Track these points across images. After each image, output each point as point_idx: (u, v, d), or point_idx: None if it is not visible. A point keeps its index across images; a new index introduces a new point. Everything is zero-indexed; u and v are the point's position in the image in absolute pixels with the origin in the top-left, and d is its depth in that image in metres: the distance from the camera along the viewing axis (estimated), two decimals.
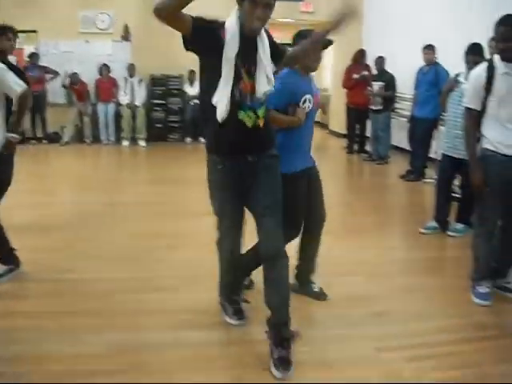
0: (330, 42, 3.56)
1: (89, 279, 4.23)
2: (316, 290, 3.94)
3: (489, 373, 3.03)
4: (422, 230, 5.57)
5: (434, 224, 5.62)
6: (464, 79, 5.32)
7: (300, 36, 3.57)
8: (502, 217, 3.98)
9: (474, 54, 5.44)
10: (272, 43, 3.07)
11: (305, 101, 3.52)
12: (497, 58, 3.78)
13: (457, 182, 5.91)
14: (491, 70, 3.77)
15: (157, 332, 3.41)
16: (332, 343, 3.32)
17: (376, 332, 3.46)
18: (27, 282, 4.15)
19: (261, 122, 3.02)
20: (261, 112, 3.01)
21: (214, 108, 2.91)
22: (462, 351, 3.27)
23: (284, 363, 2.98)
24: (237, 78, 2.89)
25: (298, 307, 3.55)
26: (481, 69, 3.87)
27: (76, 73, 11.57)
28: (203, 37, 2.89)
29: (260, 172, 3.09)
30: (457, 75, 5.69)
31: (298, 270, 4.01)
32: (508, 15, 3.66)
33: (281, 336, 3.05)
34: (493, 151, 3.82)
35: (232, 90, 2.88)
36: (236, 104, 2.92)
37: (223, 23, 2.99)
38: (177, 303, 3.82)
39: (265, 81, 2.96)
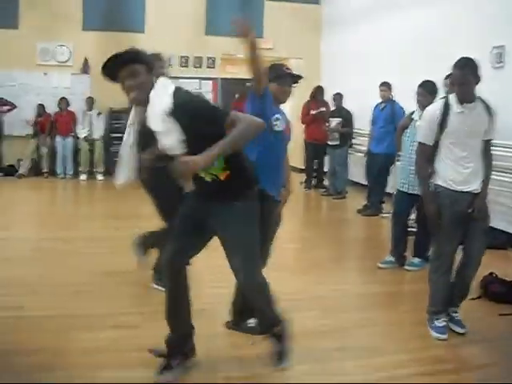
0: (299, 77, 3.77)
1: (42, 316, 4.11)
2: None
3: None
4: (380, 265, 5.63)
5: (390, 258, 5.69)
6: (418, 117, 5.46)
7: (273, 69, 3.70)
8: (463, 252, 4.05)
9: (425, 91, 5.57)
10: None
11: (276, 119, 3.59)
12: (452, 96, 3.89)
13: (413, 216, 6.01)
14: (446, 107, 3.87)
15: (111, 371, 3.33)
16: (294, 379, 3.30)
17: (336, 367, 3.46)
18: None
19: (221, 176, 3.02)
20: (214, 169, 3.00)
21: None
22: None
23: None
24: None
25: (259, 342, 3.54)
26: (436, 106, 3.98)
27: (42, 104, 11.48)
28: None
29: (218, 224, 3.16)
30: (411, 113, 5.83)
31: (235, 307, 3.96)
32: (462, 58, 3.78)
33: None
34: (444, 187, 3.91)
35: None
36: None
37: None
38: (134, 341, 3.74)
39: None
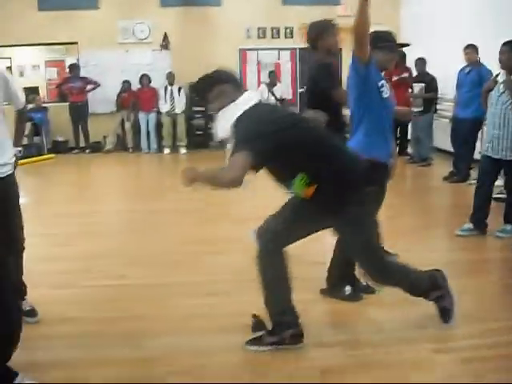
0: (405, 45, 4.12)
1: (142, 284, 4.31)
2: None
3: None
4: (458, 232, 5.48)
5: (469, 226, 5.51)
6: (502, 79, 5.27)
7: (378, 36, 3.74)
8: None
9: (509, 49, 5.31)
10: None
11: (382, 85, 3.63)
12: None
13: (501, 182, 5.84)
14: None
15: (210, 336, 3.45)
16: (391, 345, 3.32)
17: (432, 334, 3.45)
18: (83, 288, 4.25)
19: (307, 193, 3.02)
20: (295, 187, 3.04)
21: None
22: None
23: None
24: None
25: (356, 310, 3.57)
26: None
27: (127, 80, 11.79)
28: None
29: None
30: (496, 75, 5.63)
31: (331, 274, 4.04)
32: None
33: None
34: None
35: None
36: None
37: None
38: (229, 307, 3.86)
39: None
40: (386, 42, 3.73)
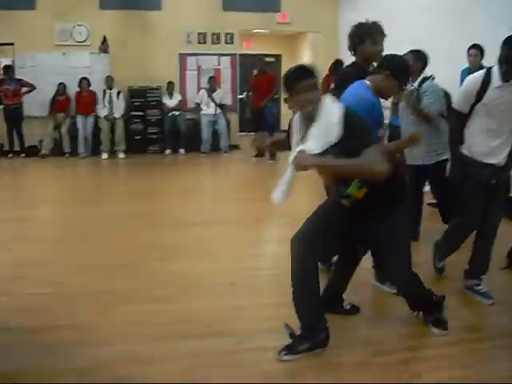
0: None
1: (81, 292, 4.20)
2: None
3: (482, 372, 3.11)
4: None
5: None
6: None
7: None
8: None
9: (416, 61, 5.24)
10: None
11: None
12: (495, 70, 3.79)
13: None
14: (487, 79, 3.80)
15: (153, 343, 3.41)
16: (329, 348, 3.35)
17: (370, 336, 3.51)
18: (17, 296, 4.11)
19: (358, 195, 3.13)
20: (351, 191, 3.12)
21: None
22: (453, 353, 3.32)
23: None
24: None
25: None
26: (478, 76, 3.88)
27: (63, 83, 11.56)
28: None
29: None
30: (411, 85, 5.56)
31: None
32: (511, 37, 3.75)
33: None
34: (470, 157, 3.96)
35: None
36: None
37: None
38: (172, 314, 3.81)
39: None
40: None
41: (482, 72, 3.93)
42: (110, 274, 4.59)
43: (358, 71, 3.88)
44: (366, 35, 3.98)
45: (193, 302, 4.04)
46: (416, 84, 5.12)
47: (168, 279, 4.47)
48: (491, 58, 3.95)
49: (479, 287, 4.14)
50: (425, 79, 5.14)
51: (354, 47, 4.07)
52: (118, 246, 5.36)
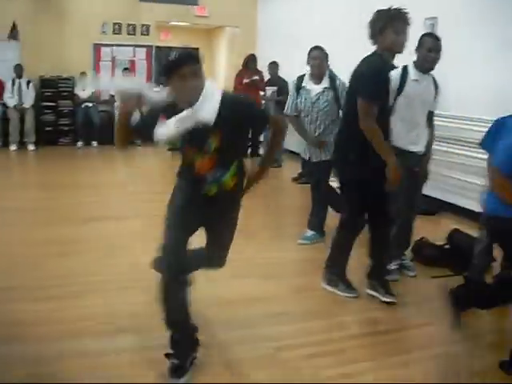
0: None
1: None
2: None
3: (382, 365, 3.19)
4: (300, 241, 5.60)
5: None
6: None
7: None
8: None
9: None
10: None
11: None
12: (410, 65, 4.32)
13: None
14: (405, 74, 4.27)
15: (54, 341, 3.30)
16: (232, 345, 3.36)
17: (274, 332, 3.53)
18: None
19: (230, 184, 3.03)
20: (225, 179, 3.00)
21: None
22: (354, 346, 3.41)
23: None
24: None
25: (198, 309, 3.56)
26: (396, 72, 4.20)
27: None
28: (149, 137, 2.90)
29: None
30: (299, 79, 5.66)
31: None
32: (430, 32, 4.32)
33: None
34: (396, 146, 4.10)
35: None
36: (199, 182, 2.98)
37: (160, 110, 2.91)
38: (74, 311, 3.72)
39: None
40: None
41: (399, 68, 4.27)
42: (7, 271, 4.42)
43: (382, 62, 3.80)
44: (389, 23, 3.70)
45: (93, 298, 3.94)
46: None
47: (70, 275, 4.36)
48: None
49: (405, 261, 4.71)
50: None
51: (374, 36, 3.79)
52: (18, 242, 5.17)
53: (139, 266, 4.53)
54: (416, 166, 4.40)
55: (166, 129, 2.82)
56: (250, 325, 3.60)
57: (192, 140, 2.88)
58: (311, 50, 5.43)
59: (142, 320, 3.59)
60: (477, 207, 5.50)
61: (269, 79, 10.10)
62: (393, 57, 3.85)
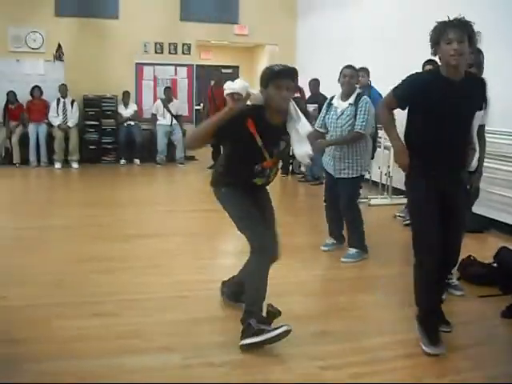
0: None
1: (23, 306, 4.06)
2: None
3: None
4: (323, 248, 5.70)
5: (332, 240, 5.75)
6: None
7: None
8: None
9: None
10: None
11: None
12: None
13: None
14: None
15: (97, 358, 3.31)
16: (277, 364, 3.32)
17: (319, 351, 3.48)
18: None
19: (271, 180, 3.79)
20: (272, 174, 3.73)
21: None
22: (402, 367, 3.33)
23: None
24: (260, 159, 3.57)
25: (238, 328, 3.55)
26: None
27: (12, 91, 11.26)
28: (228, 136, 3.53)
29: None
30: (331, 98, 5.67)
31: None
32: None
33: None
34: None
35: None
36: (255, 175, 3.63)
37: (248, 112, 3.52)
38: (117, 328, 3.73)
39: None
40: None
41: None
42: (53, 288, 4.46)
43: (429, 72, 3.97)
44: (441, 34, 3.37)
45: (139, 315, 3.95)
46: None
47: (113, 292, 4.38)
48: None
49: (452, 280, 4.52)
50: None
51: (434, 50, 3.47)
52: (64, 259, 5.22)
53: (181, 284, 4.56)
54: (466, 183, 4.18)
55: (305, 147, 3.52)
56: (294, 343, 3.55)
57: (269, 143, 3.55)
58: (343, 68, 5.53)
59: (183, 338, 3.58)
60: None
61: (310, 96, 10.09)
62: (454, 69, 3.35)
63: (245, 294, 3.64)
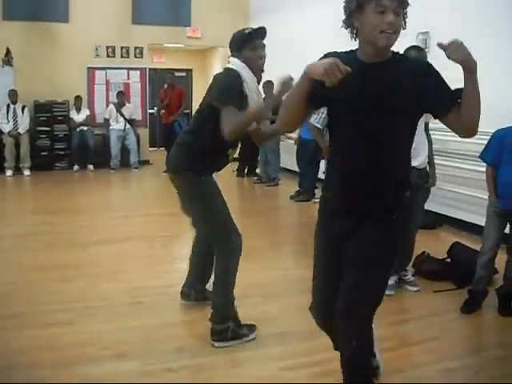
0: None
1: None
2: None
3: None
4: None
5: None
6: None
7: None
8: None
9: None
10: None
11: None
12: None
13: None
14: None
15: (51, 368, 3.24)
16: (236, 366, 3.31)
17: (279, 352, 3.48)
18: None
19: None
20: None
21: None
22: None
23: None
24: None
25: (201, 331, 3.53)
26: None
27: None
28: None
29: None
30: None
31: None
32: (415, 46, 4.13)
33: None
34: None
35: None
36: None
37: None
38: (72, 337, 3.66)
39: None
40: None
41: None
42: (6, 298, 4.35)
43: None
44: None
45: (95, 323, 3.89)
46: None
47: (68, 300, 4.29)
48: None
49: (407, 277, 4.64)
50: None
51: (349, 19, 2.50)
52: (17, 268, 5.10)
53: (138, 290, 4.50)
54: (417, 181, 4.23)
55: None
56: (253, 345, 3.54)
57: None
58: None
59: (141, 345, 3.54)
60: (476, 219, 5.54)
61: (264, 98, 10.09)
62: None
63: (215, 294, 3.61)
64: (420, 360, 3.48)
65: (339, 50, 2.54)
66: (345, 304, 2.46)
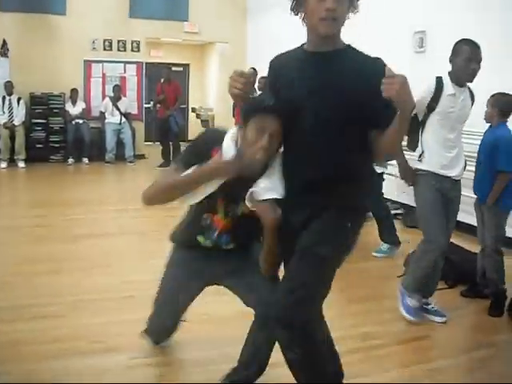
0: None
1: None
2: None
3: (378, 379, 3.15)
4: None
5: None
6: None
7: None
8: None
9: None
10: None
11: None
12: (445, 77, 3.77)
13: None
14: (440, 87, 3.75)
15: (39, 362, 3.23)
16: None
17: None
18: None
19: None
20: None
21: None
22: (347, 363, 3.34)
23: None
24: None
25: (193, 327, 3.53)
26: (430, 84, 3.78)
27: None
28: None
29: None
30: None
31: None
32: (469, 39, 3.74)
33: None
34: (429, 171, 3.87)
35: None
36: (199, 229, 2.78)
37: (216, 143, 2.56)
38: (62, 330, 3.65)
39: None
40: None
41: (432, 80, 3.79)
42: None
43: None
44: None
45: (85, 317, 3.88)
46: None
47: (59, 294, 4.28)
48: None
49: (431, 305, 4.09)
50: None
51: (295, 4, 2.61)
52: (9, 261, 5.07)
53: (130, 284, 4.50)
54: (450, 192, 3.93)
55: None
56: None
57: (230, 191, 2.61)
58: None
59: (130, 339, 3.52)
60: (466, 219, 5.53)
61: (260, 94, 10.07)
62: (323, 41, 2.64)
63: None
64: (409, 359, 3.49)
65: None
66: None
